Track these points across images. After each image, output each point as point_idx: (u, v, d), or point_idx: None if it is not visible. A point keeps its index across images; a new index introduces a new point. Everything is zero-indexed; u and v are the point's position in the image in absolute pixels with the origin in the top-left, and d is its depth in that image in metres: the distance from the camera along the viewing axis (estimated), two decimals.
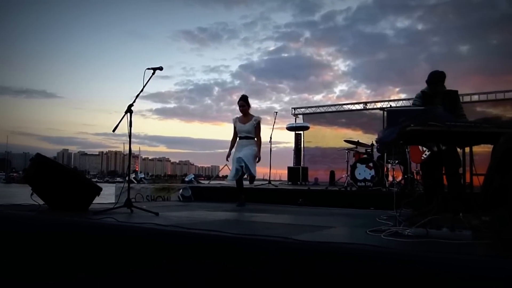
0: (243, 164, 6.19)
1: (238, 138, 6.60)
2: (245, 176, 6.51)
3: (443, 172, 4.52)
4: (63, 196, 4.54)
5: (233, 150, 6.60)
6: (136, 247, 3.14)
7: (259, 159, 6.43)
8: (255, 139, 6.52)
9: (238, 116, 6.62)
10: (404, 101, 14.80)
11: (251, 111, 6.50)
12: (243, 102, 6.53)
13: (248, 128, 6.48)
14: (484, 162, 2.94)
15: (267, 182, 9.98)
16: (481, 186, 2.91)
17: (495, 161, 2.49)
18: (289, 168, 12.84)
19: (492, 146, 3.42)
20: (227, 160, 6.69)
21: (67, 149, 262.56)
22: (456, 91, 4.76)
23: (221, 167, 15.48)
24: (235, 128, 6.61)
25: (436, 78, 4.63)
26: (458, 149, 4.18)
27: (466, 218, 3.19)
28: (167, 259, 2.93)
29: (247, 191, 8.45)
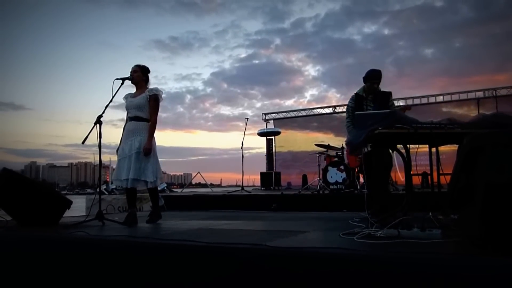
0: (134, 167, 4.42)
1: (127, 119, 4.73)
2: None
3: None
4: (32, 211, 4.41)
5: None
6: (109, 261, 3.08)
7: (148, 152, 4.45)
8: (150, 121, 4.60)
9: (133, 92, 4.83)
10: None
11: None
12: (137, 67, 4.74)
13: (138, 102, 4.59)
14: (450, 162, 3.01)
15: (240, 188, 9.97)
16: (448, 185, 2.98)
17: (460, 161, 2.56)
18: (262, 174, 12.88)
19: (457, 145, 3.52)
20: (117, 154, 4.69)
21: (35, 162, 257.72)
22: (389, 93, 4.86)
23: (193, 174, 15.42)
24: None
25: (371, 75, 4.75)
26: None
27: (435, 217, 3.27)
28: (141, 271, 2.88)
29: (216, 198, 8.38)
